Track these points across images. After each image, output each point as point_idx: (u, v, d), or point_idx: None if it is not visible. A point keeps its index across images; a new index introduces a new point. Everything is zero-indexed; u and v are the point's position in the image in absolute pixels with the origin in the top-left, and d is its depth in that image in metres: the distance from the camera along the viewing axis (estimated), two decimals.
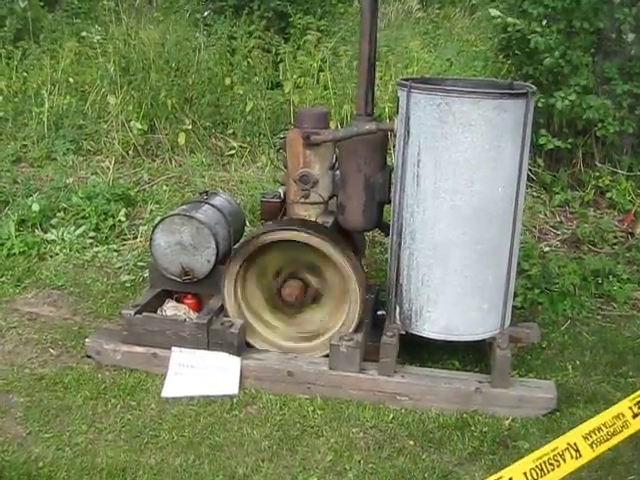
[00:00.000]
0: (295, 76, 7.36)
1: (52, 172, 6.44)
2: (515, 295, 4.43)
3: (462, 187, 3.31)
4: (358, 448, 3.26)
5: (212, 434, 3.32)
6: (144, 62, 7.39)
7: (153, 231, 3.89)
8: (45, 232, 5.35)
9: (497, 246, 3.43)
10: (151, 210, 5.73)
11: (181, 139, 6.81)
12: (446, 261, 3.42)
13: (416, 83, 3.34)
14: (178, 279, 3.91)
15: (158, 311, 3.98)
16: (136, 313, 3.76)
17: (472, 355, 3.92)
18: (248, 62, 7.87)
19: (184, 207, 4.02)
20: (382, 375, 3.55)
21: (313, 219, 3.81)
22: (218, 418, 3.44)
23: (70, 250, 5.16)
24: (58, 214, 5.54)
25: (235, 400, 3.57)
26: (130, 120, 7.01)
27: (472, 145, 3.25)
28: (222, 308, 3.81)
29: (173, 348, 3.73)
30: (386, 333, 3.58)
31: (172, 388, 3.63)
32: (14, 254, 5.08)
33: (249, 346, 3.82)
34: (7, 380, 3.68)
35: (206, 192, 4.19)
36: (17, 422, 3.37)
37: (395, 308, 3.65)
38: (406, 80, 3.40)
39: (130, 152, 6.93)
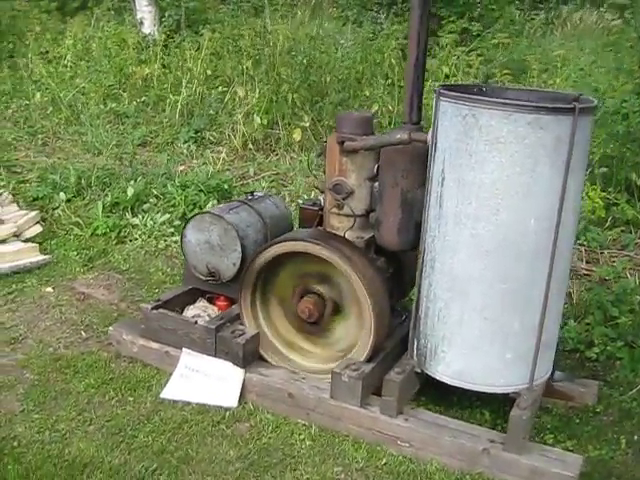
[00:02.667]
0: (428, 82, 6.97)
1: (166, 158, 6.61)
2: (592, 345, 3.85)
3: (486, 214, 2.83)
4: None
5: (188, 445, 3.15)
6: (275, 57, 7.38)
7: (184, 227, 3.78)
8: (134, 216, 5.46)
9: (526, 287, 2.91)
10: None
11: (297, 135, 6.71)
12: (465, 297, 2.96)
13: (449, 89, 2.90)
14: (204, 279, 3.78)
15: (185, 309, 3.87)
16: (153, 308, 3.68)
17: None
18: (389, 63, 7.60)
19: (221, 206, 3.88)
20: (384, 414, 3.17)
21: (346, 233, 3.49)
22: (202, 430, 3.26)
23: (149, 237, 5.23)
24: (151, 200, 5.65)
25: (229, 413, 3.37)
26: (253, 113, 7.03)
27: (500, 166, 2.77)
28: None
29: (183, 349, 3.60)
30: (394, 368, 3.19)
31: (173, 390, 3.51)
32: (97, 235, 5.24)
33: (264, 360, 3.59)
34: (28, 356, 3.76)
35: (252, 193, 4.01)
36: (17, 399, 3.42)
37: (413, 342, 3.25)
38: (443, 87, 2.98)
39: (247, 145, 6.95)
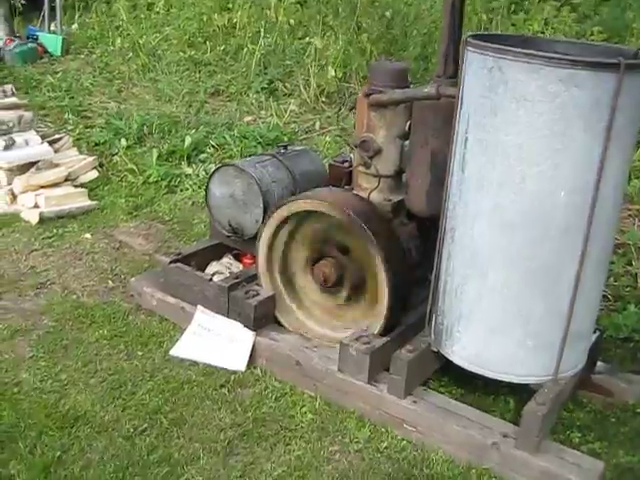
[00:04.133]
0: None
1: (233, 108, 6.46)
2: None
3: (510, 182, 2.48)
4: (317, 472, 2.72)
5: (184, 407, 3.03)
6: (357, 6, 7.02)
7: (209, 179, 3.61)
8: (189, 166, 5.36)
9: (553, 268, 2.55)
10: None
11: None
12: (484, 274, 2.64)
13: (480, 39, 2.54)
14: (227, 235, 3.61)
15: (209, 265, 3.73)
16: (171, 262, 3.55)
17: None
18: (478, 18, 7.08)
19: (249, 159, 3.67)
20: (391, 394, 2.91)
21: (372, 194, 3.21)
22: (203, 392, 3.12)
23: (199, 187, 5.10)
24: (208, 150, 5.53)
25: (235, 377, 3.22)
26: (328, 65, 6.74)
27: (526, 127, 2.40)
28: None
29: (198, 306, 3.46)
30: (407, 345, 2.92)
31: (183, 348, 3.39)
32: (149, 183, 5.18)
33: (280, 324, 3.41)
34: (50, 302, 3.74)
35: (285, 146, 3.77)
36: (29, 344, 3.40)
37: (431, 318, 2.96)
38: (476, 36, 2.62)
39: (319, 98, 6.68)
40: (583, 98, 2.32)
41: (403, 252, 3.15)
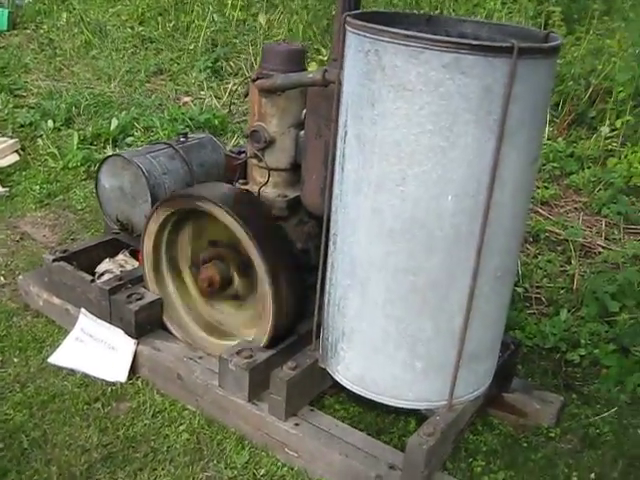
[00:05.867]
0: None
1: (172, 88, 6.11)
2: (577, 345, 3.15)
3: (389, 184, 2.16)
4: None
5: (50, 424, 2.74)
6: None
7: (98, 170, 3.28)
8: (114, 150, 5.01)
9: (441, 283, 2.24)
10: (233, 145, 5.11)
11: (312, 68, 6.00)
12: (364, 287, 2.32)
13: (360, 18, 2.20)
14: (115, 230, 3.29)
15: (103, 262, 3.41)
16: (55, 260, 3.23)
17: None
18: None
19: (141, 148, 3.35)
20: (272, 415, 2.62)
21: (263, 189, 2.90)
22: (74, 406, 2.82)
23: None
24: (136, 133, 5.18)
25: (113, 389, 2.92)
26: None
27: (406, 121, 2.07)
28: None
29: (82, 309, 3.15)
30: (289, 362, 2.61)
31: (62, 355, 3.08)
32: (68, 168, 4.84)
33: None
34: None
35: (185, 134, 3.43)
36: None
37: (319, 332, 2.65)
38: (360, 15, 2.29)
39: None
40: (471, 87, 1.99)
41: (296, 255, 2.83)
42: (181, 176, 3.22)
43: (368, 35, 2.08)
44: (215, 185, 2.93)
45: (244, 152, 3.13)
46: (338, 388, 2.84)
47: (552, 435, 2.76)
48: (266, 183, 2.87)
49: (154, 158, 3.17)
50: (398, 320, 2.30)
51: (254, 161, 2.93)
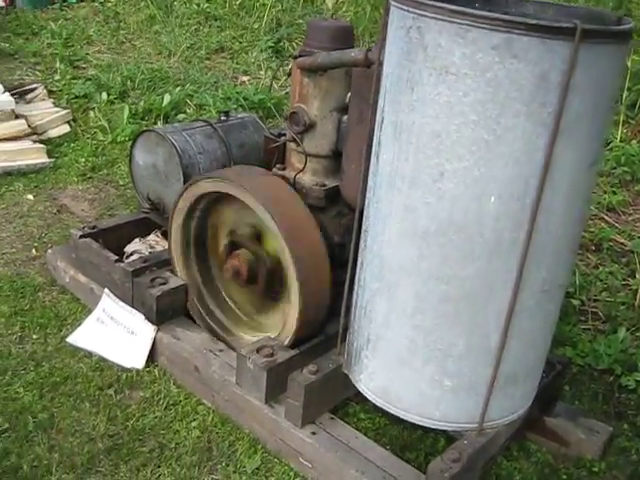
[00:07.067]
0: None
1: (231, 67, 5.96)
2: (634, 369, 2.88)
3: (425, 179, 1.93)
4: None
5: (58, 407, 2.64)
6: None
7: (132, 144, 3.14)
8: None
9: (478, 294, 1.99)
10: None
11: None
12: (392, 292, 2.10)
13: None
14: (146, 209, 3.15)
15: (133, 242, 3.28)
16: (82, 236, 3.11)
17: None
18: None
19: (177, 124, 3.19)
20: (288, 420, 2.43)
21: (299, 176, 2.70)
22: (86, 391, 2.72)
23: None
24: (188, 110, 5.06)
25: (128, 376, 2.79)
26: None
27: (448, 109, 1.83)
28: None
29: (105, 289, 3.03)
30: (310, 365, 2.42)
31: (81, 335, 2.98)
32: (117, 142, 4.75)
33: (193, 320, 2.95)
34: None
35: (226, 113, 3.26)
36: None
37: (345, 335, 2.44)
38: None
39: None
40: (524, 73, 1.74)
41: (331, 249, 2.62)
42: (218, 157, 3.05)
43: (411, 10, 1.84)
44: (248, 169, 2.74)
45: (284, 135, 2.93)
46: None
47: (595, 470, 2.48)
48: (303, 169, 2.67)
49: (190, 136, 3.01)
50: (427, 332, 2.07)
51: (292, 145, 2.74)
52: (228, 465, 2.43)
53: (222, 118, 3.21)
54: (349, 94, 2.56)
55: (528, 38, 1.71)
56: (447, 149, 1.87)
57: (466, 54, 1.76)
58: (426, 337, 2.07)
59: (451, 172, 1.88)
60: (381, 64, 2.08)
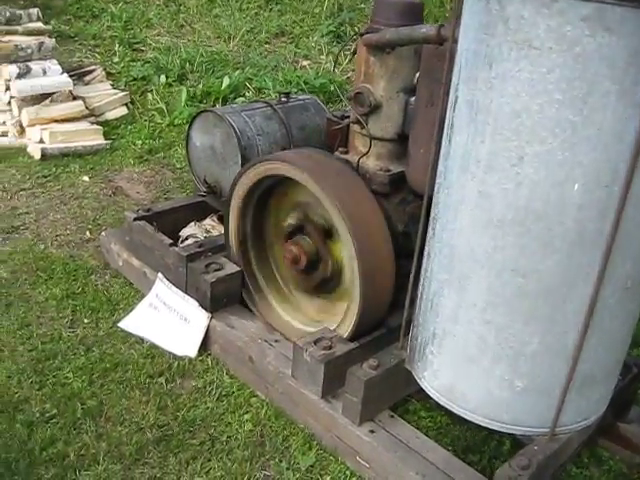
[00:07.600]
0: None
1: (291, 51, 5.85)
2: None
3: (502, 163, 1.77)
4: None
5: (108, 394, 2.59)
6: None
7: (190, 125, 3.06)
8: None
9: (557, 289, 1.83)
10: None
11: None
12: (463, 285, 1.95)
13: None
14: (202, 193, 3.06)
15: (188, 226, 3.20)
16: (136, 219, 3.05)
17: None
18: None
19: (236, 105, 3.09)
20: (346, 417, 2.31)
21: (363, 160, 2.57)
22: (136, 378, 2.66)
23: None
24: (247, 94, 4.97)
25: (180, 364, 2.72)
26: None
27: (529, 87, 1.67)
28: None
29: (159, 274, 2.96)
30: (370, 359, 2.29)
31: (133, 321, 2.92)
32: (174, 124, 4.70)
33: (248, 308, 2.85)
34: (14, 250, 3.37)
35: (287, 94, 3.14)
36: None
37: (408, 329, 2.31)
38: None
39: None
40: (616, 48, 1.57)
41: (395, 237, 2.49)
42: (277, 139, 2.95)
43: None
44: (308, 151, 2.62)
45: (348, 117, 2.80)
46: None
47: None
48: (367, 153, 2.53)
49: (249, 117, 2.91)
50: (499, 328, 1.92)
51: (356, 127, 2.60)
52: (281, 461, 2.33)
53: (282, 99, 3.10)
54: (417, 74, 2.41)
55: (622, 8, 1.54)
56: (528, 130, 1.71)
57: (552, 26, 1.60)
58: (497, 334, 1.92)
59: (531, 156, 1.72)
60: (455, 41, 1.93)
